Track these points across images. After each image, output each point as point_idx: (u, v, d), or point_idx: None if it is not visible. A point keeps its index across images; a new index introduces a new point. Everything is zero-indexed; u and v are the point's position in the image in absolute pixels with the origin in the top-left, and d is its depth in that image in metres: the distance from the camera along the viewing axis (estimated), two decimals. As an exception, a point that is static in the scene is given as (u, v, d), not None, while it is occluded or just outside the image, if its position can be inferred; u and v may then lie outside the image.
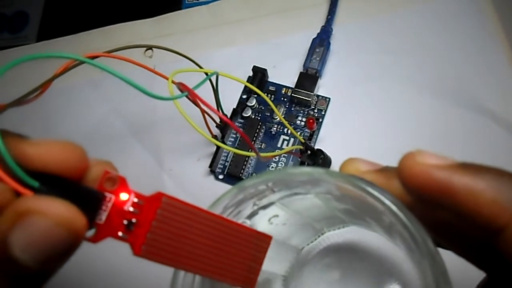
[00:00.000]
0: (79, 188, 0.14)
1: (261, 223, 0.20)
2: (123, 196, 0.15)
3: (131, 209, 0.15)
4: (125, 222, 0.15)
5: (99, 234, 0.15)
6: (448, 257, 0.14)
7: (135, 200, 0.15)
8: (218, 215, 0.16)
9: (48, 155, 0.14)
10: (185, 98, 0.20)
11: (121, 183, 0.15)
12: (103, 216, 0.14)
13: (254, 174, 0.36)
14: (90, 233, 0.15)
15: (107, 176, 0.15)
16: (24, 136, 0.14)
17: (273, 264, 0.19)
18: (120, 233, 0.15)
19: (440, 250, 0.14)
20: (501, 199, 0.13)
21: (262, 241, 0.18)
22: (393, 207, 0.14)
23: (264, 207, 0.19)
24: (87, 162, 0.15)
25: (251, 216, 0.19)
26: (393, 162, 0.16)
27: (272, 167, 0.36)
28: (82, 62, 0.17)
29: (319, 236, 0.24)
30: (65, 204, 0.13)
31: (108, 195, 0.15)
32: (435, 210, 0.14)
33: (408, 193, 0.14)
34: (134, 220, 0.15)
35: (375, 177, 0.16)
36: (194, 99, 0.27)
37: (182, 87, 0.20)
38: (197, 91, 0.21)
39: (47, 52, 0.14)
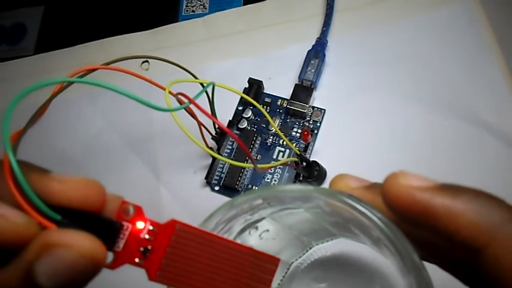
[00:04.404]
0: (98, 219, 0.15)
1: (252, 238, 0.20)
2: (140, 224, 0.16)
3: (147, 236, 0.16)
4: (141, 249, 0.16)
5: (117, 261, 0.15)
6: (434, 270, 0.15)
7: (151, 227, 0.16)
8: (229, 240, 0.17)
9: (72, 192, 0.15)
10: (181, 110, 0.20)
11: (137, 212, 0.16)
12: (121, 244, 0.15)
13: (249, 185, 0.36)
14: (108, 259, 0.15)
15: (124, 206, 0.16)
16: (47, 171, 0.15)
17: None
18: (136, 260, 0.16)
19: (427, 263, 0.14)
20: (478, 220, 0.13)
21: (271, 263, 0.18)
22: (380, 224, 0.15)
23: (255, 222, 0.20)
24: (105, 197, 0.16)
25: (242, 231, 0.20)
26: (388, 173, 0.16)
27: (268, 179, 0.36)
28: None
29: (307, 251, 0.24)
30: (87, 236, 0.14)
31: (126, 224, 0.16)
32: (418, 229, 0.15)
33: (392, 213, 0.15)
34: (149, 247, 0.16)
35: (363, 194, 0.17)
36: (191, 111, 0.27)
37: (181, 97, 0.21)
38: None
39: (42, 81, 0.15)
